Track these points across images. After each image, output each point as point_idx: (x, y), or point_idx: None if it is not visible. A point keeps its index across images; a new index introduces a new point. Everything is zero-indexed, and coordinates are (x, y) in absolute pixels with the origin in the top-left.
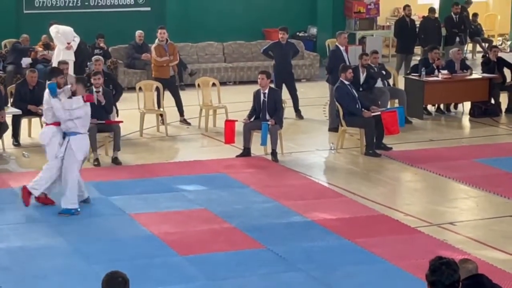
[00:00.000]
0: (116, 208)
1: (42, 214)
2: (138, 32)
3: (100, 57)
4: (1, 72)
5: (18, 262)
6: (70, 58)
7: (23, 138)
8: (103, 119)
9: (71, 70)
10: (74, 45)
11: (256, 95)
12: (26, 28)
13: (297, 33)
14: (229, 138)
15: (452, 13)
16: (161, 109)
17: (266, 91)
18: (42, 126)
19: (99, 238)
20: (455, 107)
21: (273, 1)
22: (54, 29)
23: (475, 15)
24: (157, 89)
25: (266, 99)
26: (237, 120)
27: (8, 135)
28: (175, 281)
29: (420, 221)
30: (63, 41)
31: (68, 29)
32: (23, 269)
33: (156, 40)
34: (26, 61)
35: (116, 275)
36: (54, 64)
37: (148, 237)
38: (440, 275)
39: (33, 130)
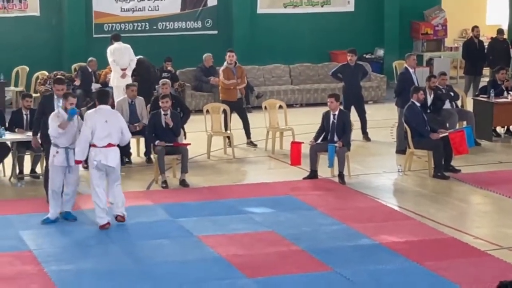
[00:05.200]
0: (184, 230)
1: (110, 236)
2: (208, 55)
3: (167, 80)
4: None
5: (87, 284)
6: (127, 81)
7: None
8: (171, 141)
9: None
10: (129, 70)
11: (326, 116)
12: (95, 51)
13: (364, 55)
14: (295, 159)
15: None
16: (228, 132)
17: (336, 112)
18: None
19: (167, 260)
20: None
21: (340, 23)
22: (110, 58)
23: None
24: (224, 111)
25: (335, 121)
26: (303, 142)
27: None
28: None
29: (490, 244)
30: (118, 70)
31: (125, 52)
32: None
33: (225, 63)
34: (94, 85)
35: None
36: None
37: (216, 259)
38: None
39: None
